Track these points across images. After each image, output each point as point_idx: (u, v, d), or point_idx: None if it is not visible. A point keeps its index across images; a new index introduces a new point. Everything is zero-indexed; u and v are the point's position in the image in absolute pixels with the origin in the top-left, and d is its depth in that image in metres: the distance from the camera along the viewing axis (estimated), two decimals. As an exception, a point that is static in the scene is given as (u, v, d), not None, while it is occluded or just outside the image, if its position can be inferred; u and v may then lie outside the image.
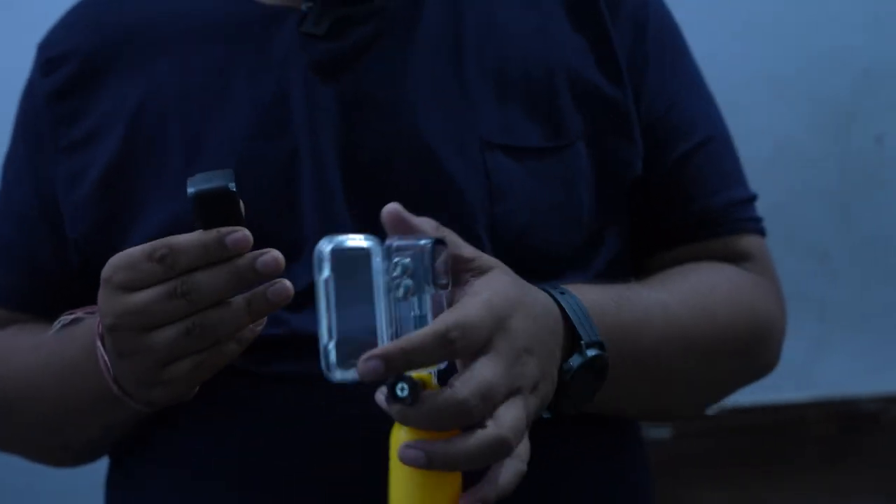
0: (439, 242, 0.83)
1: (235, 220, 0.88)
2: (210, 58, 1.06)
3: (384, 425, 0.83)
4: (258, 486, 0.99)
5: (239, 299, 0.87)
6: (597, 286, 1.00)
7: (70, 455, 1.15)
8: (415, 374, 0.79)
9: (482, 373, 0.79)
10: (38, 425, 1.10)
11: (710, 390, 1.11)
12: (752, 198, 1.17)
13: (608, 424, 1.05)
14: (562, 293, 0.94)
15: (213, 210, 0.87)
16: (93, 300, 0.99)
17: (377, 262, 0.81)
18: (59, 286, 1.13)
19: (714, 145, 1.14)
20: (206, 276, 0.86)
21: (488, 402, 0.79)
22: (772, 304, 1.13)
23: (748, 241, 1.14)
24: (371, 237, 0.82)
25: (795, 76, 1.94)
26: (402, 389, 0.77)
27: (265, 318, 0.90)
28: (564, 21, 1.08)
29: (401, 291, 0.81)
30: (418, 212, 1.01)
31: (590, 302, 0.94)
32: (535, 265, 1.02)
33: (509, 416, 0.80)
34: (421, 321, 0.81)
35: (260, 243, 0.89)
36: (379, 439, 0.84)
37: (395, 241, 0.82)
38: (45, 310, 1.13)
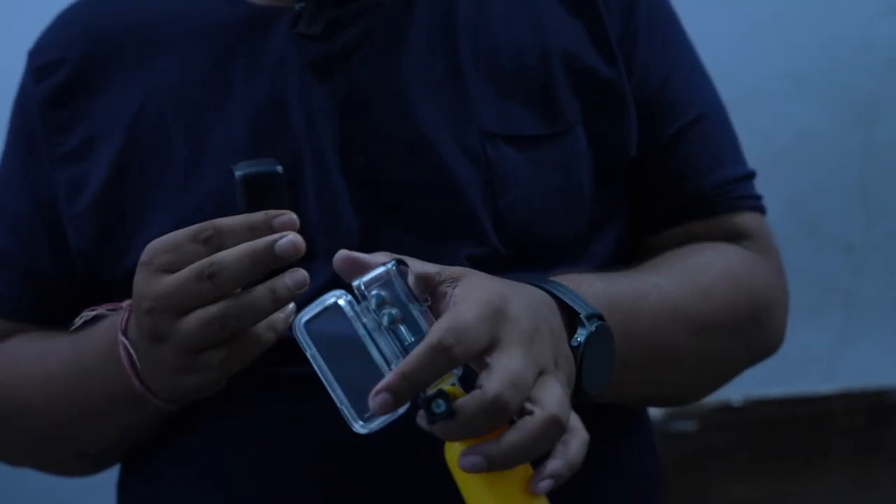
0: (400, 263, 0.83)
1: (281, 204, 0.88)
2: (206, 60, 1.05)
3: (401, 428, 0.82)
4: (270, 487, 0.99)
5: (263, 286, 0.88)
6: (584, 272, 1.00)
7: (84, 463, 1.14)
8: (446, 387, 0.78)
9: (504, 364, 0.79)
10: (49, 434, 1.09)
11: (712, 370, 1.10)
12: (750, 175, 1.16)
13: (613, 413, 1.05)
14: (544, 282, 0.94)
15: (259, 193, 0.88)
16: (98, 302, 1.00)
17: (349, 309, 0.81)
18: (60, 294, 1.12)
19: (708, 122, 1.13)
20: (230, 258, 0.86)
21: (521, 389, 0.78)
22: (771, 281, 1.13)
23: (746, 219, 1.13)
24: (335, 292, 0.82)
25: (818, 68, 1.94)
26: (439, 406, 0.77)
27: (293, 307, 0.89)
28: (557, 7, 1.08)
29: (385, 320, 0.81)
30: (421, 208, 1.01)
31: (577, 283, 0.95)
32: (541, 253, 1.03)
33: (549, 394, 0.79)
34: (421, 340, 0.80)
35: None
36: (395, 440, 0.83)
37: (360, 280, 0.82)
38: (47, 318, 1.12)
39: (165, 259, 0.88)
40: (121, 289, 1.03)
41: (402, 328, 0.81)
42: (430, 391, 0.77)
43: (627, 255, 1.12)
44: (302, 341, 0.82)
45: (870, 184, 1.96)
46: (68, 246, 1.09)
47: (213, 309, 0.86)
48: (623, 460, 1.09)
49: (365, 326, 0.81)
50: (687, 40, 1.16)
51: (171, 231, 0.93)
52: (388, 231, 1.00)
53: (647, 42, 1.11)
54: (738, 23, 1.85)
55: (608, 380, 0.93)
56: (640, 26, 1.10)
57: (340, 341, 0.81)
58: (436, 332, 0.78)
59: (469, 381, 0.80)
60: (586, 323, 0.91)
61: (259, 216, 0.87)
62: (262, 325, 0.89)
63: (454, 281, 0.84)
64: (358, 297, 0.82)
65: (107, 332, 0.99)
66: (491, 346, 0.79)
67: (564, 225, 1.05)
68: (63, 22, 1.14)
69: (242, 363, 0.90)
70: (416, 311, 0.81)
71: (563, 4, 1.08)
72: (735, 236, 1.12)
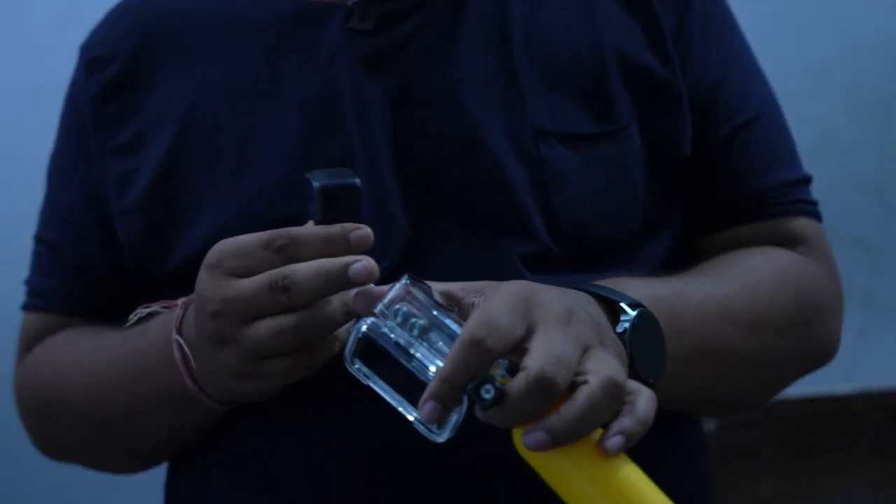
0: (412, 277, 0.83)
1: (356, 217, 0.88)
2: (258, 56, 1.05)
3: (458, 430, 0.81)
4: (321, 488, 0.99)
5: (337, 299, 0.87)
6: (628, 276, 0.99)
7: (133, 461, 1.13)
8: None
9: (542, 343, 0.77)
10: (98, 431, 1.08)
11: (765, 373, 1.07)
12: (806, 179, 1.13)
13: (665, 424, 1.03)
14: (580, 285, 0.93)
15: (337, 205, 0.87)
16: (146, 301, 1.00)
17: (380, 331, 0.82)
18: (110, 289, 1.11)
19: (763, 122, 1.10)
20: (304, 275, 0.86)
21: (564, 363, 0.77)
22: (823, 285, 1.09)
23: (801, 224, 1.10)
24: (364, 320, 0.83)
25: (835, 67, 1.94)
26: (488, 391, 0.76)
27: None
28: (612, 5, 1.07)
29: (416, 331, 0.81)
30: (473, 205, 0.99)
31: (614, 283, 0.94)
32: (595, 253, 1.02)
33: (599, 362, 0.78)
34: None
35: None
36: (449, 443, 0.82)
37: (380, 305, 0.82)
38: (98, 314, 1.11)
39: (235, 263, 0.87)
40: (169, 285, 1.03)
41: (434, 335, 0.81)
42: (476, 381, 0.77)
43: (683, 258, 1.10)
44: (357, 375, 0.82)
45: (886, 183, 1.96)
46: (118, 241, 1.08)
47: (286, 319, 0.86)
48: (676, 472, 1.07)
49: (398, 344, 0.81)
50: (742, 38, 1.14)
51: (222, 228, 0.93)
52: (439, 229, 1.00)
53: (703, 40, 1.09)
54: (755, 21, 1.85)
55: (663, 368, 0.91)
56: (696, 24, 1.09)
57: (389, 363, 0.82)
58: (466, 328, 0.78)
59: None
60: (628, 310, 0.90)
61: (336, 230, 0.87)
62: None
63: (479, 292, 0.84)
64: (381, 319, 0.82)
65: (160, 329, 0.99)
66: (527, 334, 0.79)
67: (618, 225, 1.03)
68: (114, 18, 1.14)
69: (306, 372, 0.90)
70: (443, 317, 0.81)
71: (617, 2, 1.07)
72: (789, 241, 1.09)
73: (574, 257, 1.00)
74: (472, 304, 0.83)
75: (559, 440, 0.76)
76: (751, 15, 1.85)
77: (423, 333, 0.81)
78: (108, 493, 1.89)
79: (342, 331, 0.89)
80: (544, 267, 0.91)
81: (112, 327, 1.07)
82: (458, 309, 0.83)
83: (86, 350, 1.08)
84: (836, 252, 1.14)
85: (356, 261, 0.86)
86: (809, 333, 1.08)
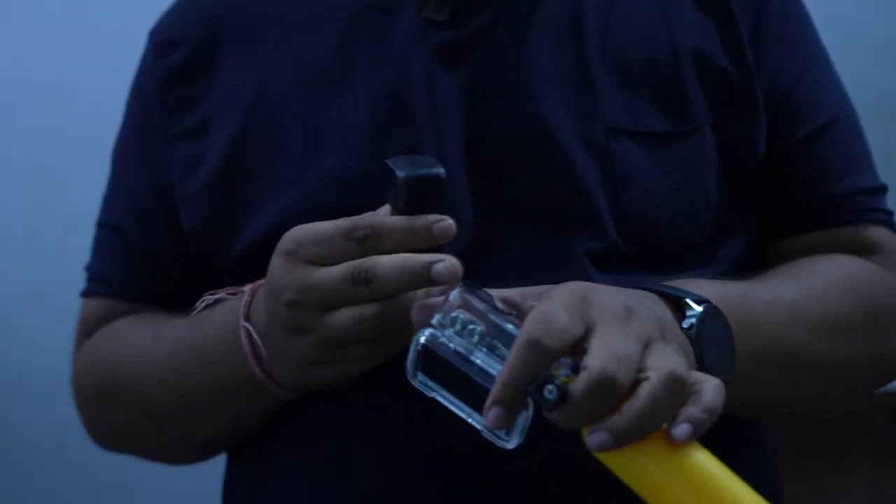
0: (468, 284, 0.82)
1: (438, 208, 0.86)
2: (328, 45, 1.04)
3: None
4: (396, 471, 0.97)
5: (420, 292, 0.86)
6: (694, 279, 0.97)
7: (191, 451, 1.11)
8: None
9: (602, 341, 0.76)
10: (158, 419, 1.07)
11: (839, 379, 1.03)
12: (882, 188, 1.10)
13: (734, 433, 0.99)
14: (643, 286, 0.91)
15: (419, 196, 0.86)
16: (208, 288, 0.99)
17: (439, 340, 0.81)
18: (174, 276, 1.09)
19: (839, 128, 1.08)
20: (387, 269, 0.84)
21: (626, 361, 0.75)
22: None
23: (876, 233, 1.07)
24: (421, 331, 0.81)
25: (838, 67, 1.93)
26: (551, 392, 0.75)
27: None
28: (688, 3, 1.05)
29: (476, 338, 0.80)
30: (541, 201, 0.98)
31: (679, 283, 0.92)
32: (663, 254, 1.00)
33: (661, 357, 0.77)
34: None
35: None
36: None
37: (437, 315, 0.81)
38: (161, 300, 1.10)
39: (313, 251, 0.86)
40: (232, 272, 1.03)
41: (494, 340, 0.80)
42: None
43: (755, 263, 1.07)
44: (421, 388, 0.82)
45: (890, 184, 1.95)
46: (182, 227, 1.07)
47: (368, 309, 0.85)
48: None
49: (457, 352, 0.80)
50: (818, 38, 1.12)
51: (285, 215, 0.92)
52: (506, 224, 0.98)
53: (779, 41, 1.07)
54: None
55: (732, 365, 0.90)
56: (772, 24, 1.07)
57: (451, 373, 0.81)
58: (524, 329, 0.76)
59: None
60: (694, 306, 0.88)
61: (419, 222, 0.85)
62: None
63: (538, 296, 0.82)
64: (438, 329, 0.81)
65: (227, 316, 0.97)
66: (586, 333, 0.77)
67: (689, 226, 1.02)
68: (184, 2, 1.13)
69: (383, 358, 0.89)
70: (502, 321, 0.80)
71: (694, 1, 1.05)
72: (863, 250, 1.06)
73: (642, 257, 0.98)
74: (531, 307, 0.81)
75: (622, 440, 0.75)
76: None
77: (483, 339, 0.80)
78: (109, 493, 1.89)
79: None
80: (611, 265, 0.90)
81: (177, 314, 1.06)
82: (518, 314, 0.82)
83: (149, 336, 1.07)
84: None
85: (440, 260, 0.84)
86: (882, 341, 1.04)
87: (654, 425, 0.75)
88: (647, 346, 0.78)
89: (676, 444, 0.76)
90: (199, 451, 1.10)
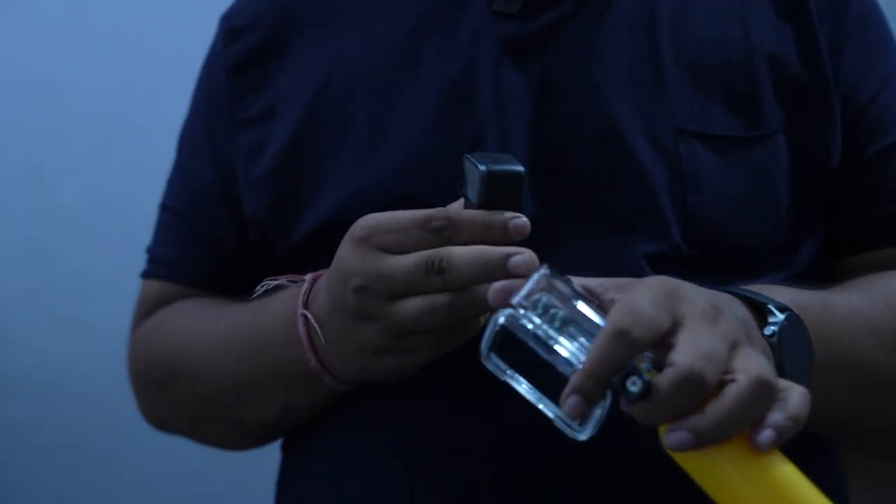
0: (549, 268, 0.79)
1: (515, 205, 0.86)
2: (396, 35, 1.03)
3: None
4: (463, 459, 0.96)
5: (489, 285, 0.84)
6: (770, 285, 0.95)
7: (241, 438, 1.10)
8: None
9: (691, 338, 0.74)
10: (211, 402, 1.07)
11: None
12: None
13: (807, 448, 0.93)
14: (725, 288, 0.90)
15: (498, 191, 0.86)
16: (266, 275, 0.98)
17: (519, 322, 0.78)
18: (234, 262, 1.09)
19: None
20: (462, 259, 0.84)
21: (714, 360, 0.74)
22: None
23: None
24: (501, 311, 0.79)
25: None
26: (634, 383, 0.73)
27: None
28: (766, 7, 1.03)
29: (557, 323, 0.78)
30: (605, 200, 0.97)
31: (760, 288, 0.91)
32: (730, 259, 0.99)
33: (749, 360, 0.75)
34: (597, 331, 0.77)
35: None
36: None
37: (517, 296, 0.79)
38: (220, 286, 1.10)
39: (387, 239, 0.86)
40: (290, 261, 1.02)
41: (574, 328, 0.78)
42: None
43: (820, 277, 1.04)
44: (494, 370, 0.79)
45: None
46: (244, 214, 1.07)
47: (439, 298, 0.84)
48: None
49: (536, 336, 0.78)
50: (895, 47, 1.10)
51: (346, 203, 0.92)
52: (568, 221, 0.96)
53: (858, 51, 1.05)
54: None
55: (811, 374, 0.88)
56: (852, 33, 1.05)
57: (528, 357, 0.79)
58: (611, 318, 0.75)
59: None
60: (777, 313, 0.87)
61: (498, 217, 0.85)
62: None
63: (619, 287, 0.81)
64: (519, 311, 0.79)
65: (285, 303, 0.97)
66: (673, 328, 0.76)
67: (757, 233, 1.00)
68: None
69: (448, 348, 0.88)
70: (585, 307, 0.78)
71: (772, 5, 1.04)
72: None
73: (703, 262, 0.97)
74: (612, 300, 0.80)
75: (703, 441, 0.73)
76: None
77: (564, 325, 0.78)
78: (109, 493, 1.90)
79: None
80: (670, 269, 0.88)
81: (235, 300, 1.06)
82: (598, 304, 0.80)
83: (207, 319, 1.07)
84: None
85: (517, 253, 0.83)
86: None
87: (737, 429, 0.74)
88: (733, 347, 0.76)
89: (759, 451, 0.74)
90: (249, 439, 1.09)
